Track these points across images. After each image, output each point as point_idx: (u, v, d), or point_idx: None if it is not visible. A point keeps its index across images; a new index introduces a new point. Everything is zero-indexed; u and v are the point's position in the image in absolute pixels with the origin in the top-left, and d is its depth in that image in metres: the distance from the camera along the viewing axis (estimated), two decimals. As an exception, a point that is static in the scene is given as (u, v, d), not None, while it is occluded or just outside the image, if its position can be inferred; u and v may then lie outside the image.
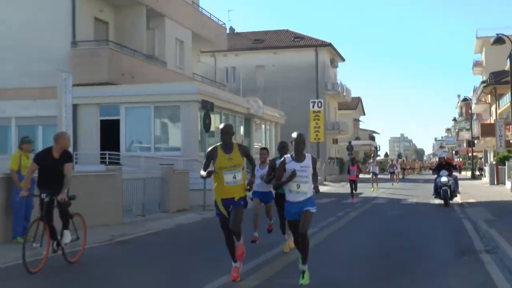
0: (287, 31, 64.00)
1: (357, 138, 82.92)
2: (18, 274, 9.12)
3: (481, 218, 16.36)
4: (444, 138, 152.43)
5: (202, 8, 35.91)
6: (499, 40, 31.07)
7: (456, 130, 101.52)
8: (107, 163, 23.95)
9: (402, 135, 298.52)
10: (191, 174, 21.08)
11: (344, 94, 64.69)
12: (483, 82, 67.71)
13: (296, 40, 61.10)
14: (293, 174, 8.32)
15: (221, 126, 8.84)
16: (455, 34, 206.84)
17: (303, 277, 8.37)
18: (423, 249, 11.39)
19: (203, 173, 8.64)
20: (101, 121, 25.56)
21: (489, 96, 61.80)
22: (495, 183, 38.46)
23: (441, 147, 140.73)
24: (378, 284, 8.55)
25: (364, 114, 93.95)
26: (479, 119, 77.74)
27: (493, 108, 60.40)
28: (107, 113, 25.42)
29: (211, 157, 8.63)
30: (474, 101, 73.33)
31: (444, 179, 22.46)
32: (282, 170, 8.58)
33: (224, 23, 39.49)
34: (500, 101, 53.86)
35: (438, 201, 22.56)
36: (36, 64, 25.10)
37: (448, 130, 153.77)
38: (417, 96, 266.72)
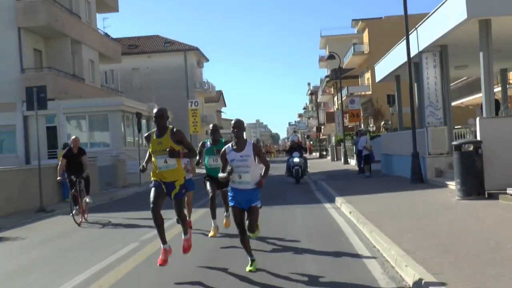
0: (158, 36, 73.21)
1: (220, 128, 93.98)
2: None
3: (319, 178, 27.74)
4: (296, 123, 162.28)
5: (100, 30, 45.41)
6: (330, 57, 42.93)
7: (306, 117, 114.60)
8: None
9: (257, 121, 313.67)
10: (128, 162, 31.32)
11: (210, 90, 75.70)
12: (327, 76, 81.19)
13: (166, 44, 70.52)
14: (230, 172, 8.27)
15: (155, 110, 8.81)
16: (305, 31, 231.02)
17: (251, 265, 8.35)
18: (286, 199, 21.19)
19: (142, 166, 8.97)
20: (47, 127, 34.74)
21: (332, 88, 75.08)
22: (335, 159, 51.22)
23: (294, 131, 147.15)
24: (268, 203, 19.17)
25: (225, 106, 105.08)
26: (325, 107, 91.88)
27: (335, 99, 73.62)
28: (51, 121, 34.66)
29: (147, 141, 8.71)
30: (320, 92, 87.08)
31: (296, 159, 25.58)
32: (225, 161, 8.43)
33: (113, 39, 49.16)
34: (340, 94, 67.11)
35: (291, 179, 26.05)
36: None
37: (300, 115, 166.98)
38: (273, 86, 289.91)
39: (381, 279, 7.51)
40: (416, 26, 21.42)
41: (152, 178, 8.65)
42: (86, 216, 15.79)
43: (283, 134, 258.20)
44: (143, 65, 66.54)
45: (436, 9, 18.93)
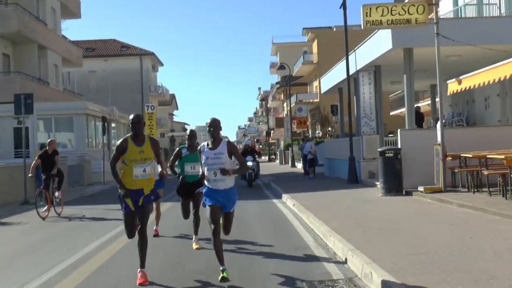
0: (114, 40, 75.56)
1: (172, 130, 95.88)
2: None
3: (269, 180, 30.97)
4: (246, 127, 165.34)
5: (63, 35, 47.86)
6: (281, 67, 46.35)
7: (257, 122, 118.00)
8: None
9: (207, 123, 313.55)
10: (93, 162, 34.05)
11: (164, 93, 78.43)
12: (277, 83, 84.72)
13: (123, 49, 72.91)
14: (202, 177, 8.50)
15: (131, 116, 8.63)
16: (257, 37, 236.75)
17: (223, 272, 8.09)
18: (239, 196, 25.35)
19: (120, 190, 8.57)
20: (15, 128, 37.11)
21: (282, 94, 78.58)
22: (283, 163, 54.67)
23: (244, 135, 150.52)
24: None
25: (177, 109, 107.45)
26: (275, 113, 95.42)
27: (285, 105, 77.11)
28: (20, 122, 36.98)
29: (121, 149, 8.52)
30: (270, 98, 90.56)
31: (249, 163, 25.47)
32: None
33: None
34: (289, 101, 70.72)
35: (244, 182, 26.78)
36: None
37: (250, 119, 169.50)
38: (224, 89, 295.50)
39: (312, 245, 10.68)
40: (355, 49, 24.93)
41: (119, 190, 8.58)
42: (61, 210, 17.90)
43: (232, 137, 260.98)
44: (99, 68, 68.52)
45: (370, 37, 22.44)
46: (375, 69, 24.02)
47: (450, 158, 16.56)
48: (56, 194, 17.87)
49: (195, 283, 8.22)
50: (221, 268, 8.16)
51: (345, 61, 25.07)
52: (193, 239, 11.03)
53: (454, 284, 6.70)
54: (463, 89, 17.94)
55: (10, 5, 37.60)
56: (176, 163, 11.34)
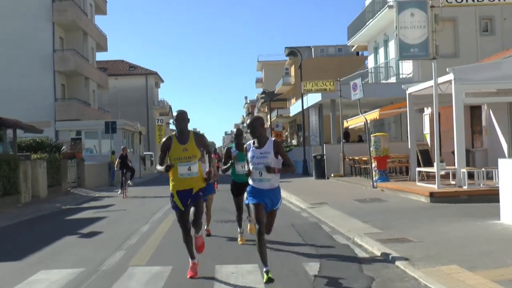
0: (122, 61, 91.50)
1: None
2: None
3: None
4: (233, 134, 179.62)
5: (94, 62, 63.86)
6: (264, 92, 62.30)
7: (245, 131, 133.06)
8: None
9: (195, 129, 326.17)
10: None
11: (165, 106, 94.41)
12: (261, 97, 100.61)
13: (131, 69, 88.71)
14: (248, 172, 8.56)
15: (176, 113, 8.81)
16: (245, 48, 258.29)
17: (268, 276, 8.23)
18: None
19: (159, 168, 8.80)
20: (72, 138, 52.79)
21: (266, 107, 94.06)
22: (266, 165, 70.47)
23: (231, 141, 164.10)
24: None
25: (173, 118, 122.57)
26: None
27: (268, 117, 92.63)
28: (78, 134, 52.62)
29: (165, 148, 8.71)
30: (256, 110, 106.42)
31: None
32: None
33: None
34: (270, 115, 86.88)
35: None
36: (35, 112, 51.78)
37: (237, 125, 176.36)
38: (211, 96, 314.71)
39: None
40: (307, 94, 41.20)
41: (171, 190, 8.87)
42: (126, 192, 27.83)
43: (218, 143, 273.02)
44: (111, 85, 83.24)
45: (310, 92, 38.77)
46: (319, 106, 40.33)
47: (348, 159, 32.79)
48: (129, 182, 30.59)
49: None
50: (264, 269, 8.28)
51: (304, 98, 41.30)
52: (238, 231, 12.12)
53: (322, 198, 22.83)
54: (377, 118, 33.66)
55: (67, 50, 53.47)
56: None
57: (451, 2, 18.28)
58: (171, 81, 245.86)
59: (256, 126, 8.59)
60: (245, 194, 9.27)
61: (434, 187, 18.77)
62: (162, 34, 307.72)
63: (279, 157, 8.61)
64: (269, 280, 8.15)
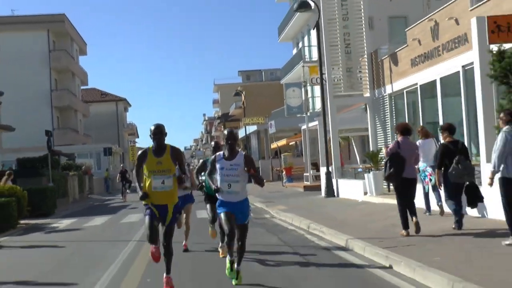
0: (94, 89, 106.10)
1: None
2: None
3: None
4: (193, 149, 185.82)
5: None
6: (221, 117, 78.42)
7: (203, 149, 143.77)
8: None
9: (151, 130, 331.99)
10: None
11: (132, 127, 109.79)
12: (218, 118, 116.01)
13: (103, 96, 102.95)
14: (217, 189, 8.79)
15: (152, 127, 8.88)
16: (204, 67, 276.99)
17: (237, 277, 8.75)
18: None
19: (138, 189, 8.97)
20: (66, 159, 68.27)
21: (222, 127, 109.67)
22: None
23: (192, 156, 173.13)
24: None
25: (138, 137, 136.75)
26: (218, 139, 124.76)
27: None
28: (72, 156, 68.19)
29: (141, 160, 8.85)
30: (214, 129, 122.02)
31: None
32: (213, 168, 9.09)
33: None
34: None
35: None
36: (39, 139, 67.29)
37: (196, 140, 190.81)
38: (170, 111, 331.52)
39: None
40: (249, 124, 57.66)
41: (143, 202, 9.01)
42: (126, 198, 40.92)
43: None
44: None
45: (249, 124, 55.40)
46: (257, 133, 56.96)
47: (276, 170, 49.19)
48: (128, 191, 48.07)
49: None
50: (229, 258, 8.99)
51: (246, 127, 57.74)
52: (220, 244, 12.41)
53: (251, 193, 39.30)
54: (285, 144, 49.65)
55: (61, 90, 69.01)
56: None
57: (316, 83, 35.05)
58: (138, 104, 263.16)
59: (235, 139, 9.02)
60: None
61: (308, 183, 35.48)
62: (128, 63, 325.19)
63: (248, 171, 8.84)
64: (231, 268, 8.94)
